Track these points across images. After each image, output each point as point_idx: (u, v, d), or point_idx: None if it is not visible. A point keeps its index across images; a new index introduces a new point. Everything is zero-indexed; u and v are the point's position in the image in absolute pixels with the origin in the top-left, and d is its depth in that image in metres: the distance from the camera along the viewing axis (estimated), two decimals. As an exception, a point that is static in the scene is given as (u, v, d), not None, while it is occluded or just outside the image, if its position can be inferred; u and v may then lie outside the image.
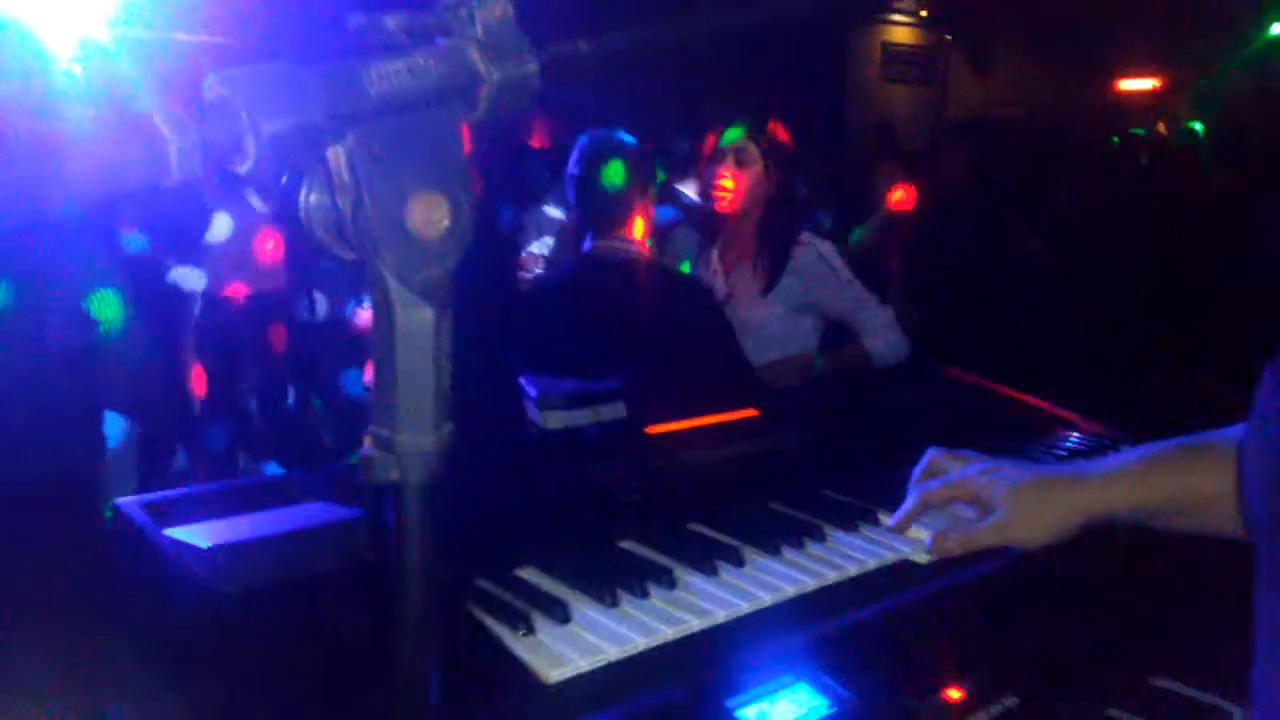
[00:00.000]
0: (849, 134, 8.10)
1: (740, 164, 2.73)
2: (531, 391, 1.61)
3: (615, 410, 1.58)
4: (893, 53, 9.32)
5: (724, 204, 2.76)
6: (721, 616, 1.04)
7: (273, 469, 3.30)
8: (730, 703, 0.97)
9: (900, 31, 9.50)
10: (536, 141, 4.89)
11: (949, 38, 9.58)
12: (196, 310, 3.24)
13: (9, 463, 1.59)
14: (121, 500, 1.10)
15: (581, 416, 1.55)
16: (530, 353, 2.31)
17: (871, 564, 1.19)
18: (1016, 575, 1.25)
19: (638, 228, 2.63)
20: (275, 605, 0.96)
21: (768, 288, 2.73)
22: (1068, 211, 4.37)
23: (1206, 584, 1.26)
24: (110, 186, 0.44)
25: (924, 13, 9.47)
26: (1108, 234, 4.05)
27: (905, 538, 1.26)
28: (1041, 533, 1.15)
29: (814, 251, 2.76)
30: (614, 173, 2.60)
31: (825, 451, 1.51)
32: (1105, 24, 8.31)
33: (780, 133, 2.79)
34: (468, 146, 0.56)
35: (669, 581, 1.09)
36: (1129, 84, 10.57)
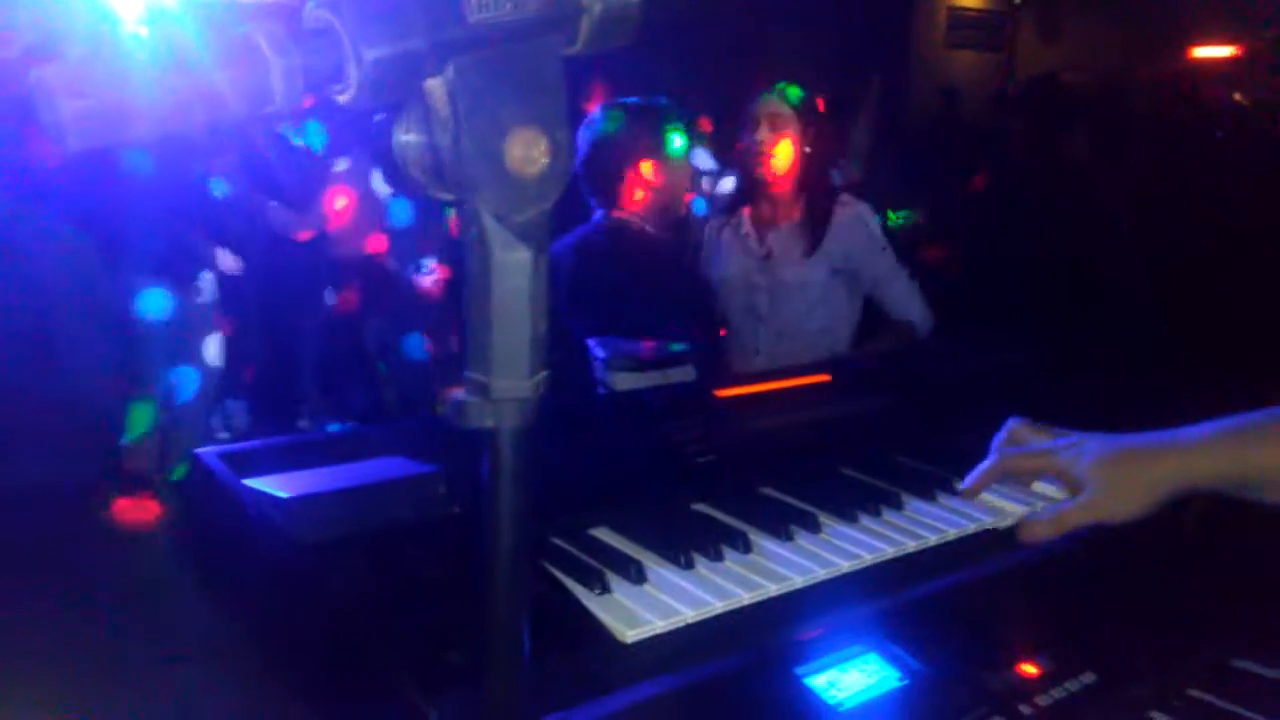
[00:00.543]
0: (912, 102, 7.94)
1: (774, 127, 2.74)
2: (601, 353, 1.60)
3: (684, 373, 1.56)
4: (959, 17, 9.08)
5: (761, 167, 2.77)
6: (799, 582, 1.02)
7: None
8: (800, 669, 0.95)
9: (966, -4, 9.26)
10: (594, 106, 4.86)
11: (1016, 1, 9.31)
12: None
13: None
14: (200, 450, 1.11)
15: (651, 379, 1.54)
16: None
17: (950, 533, 1.17)
18: (1096, 549, 1.21)
19: (637, 195, 2.67)
20: (354, 557, 0.96)
21: (812, 248, 2.75)
22: (1136, 183, 4.23)
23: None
24: (212, 112, 0.43)
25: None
26: (1180, 208, 3.92)
27: (987, 508, 1.23)
28: (1132, 506, 1.10)
29: (854, 211, 2.78)
30: (605, 140, 2.67)
31: (899, 417, 1.48)
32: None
33: (812, 97, 2.80)
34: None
35: (743, 545, 1.07)
36: (1204, 51, 10.19)
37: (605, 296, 2.41)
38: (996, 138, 3.96)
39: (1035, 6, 9.36)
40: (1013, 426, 1.26)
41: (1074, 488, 1.16)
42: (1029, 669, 1.05)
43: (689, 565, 1.03)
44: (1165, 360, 1.76)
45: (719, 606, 0.96)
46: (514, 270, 0.53)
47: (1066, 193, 3.26)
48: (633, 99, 2.77)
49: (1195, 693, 1.12)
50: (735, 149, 2.85)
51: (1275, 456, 1.05)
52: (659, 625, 0.92)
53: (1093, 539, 1.20)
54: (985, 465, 1.23)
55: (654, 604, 0.96)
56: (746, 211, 2.88)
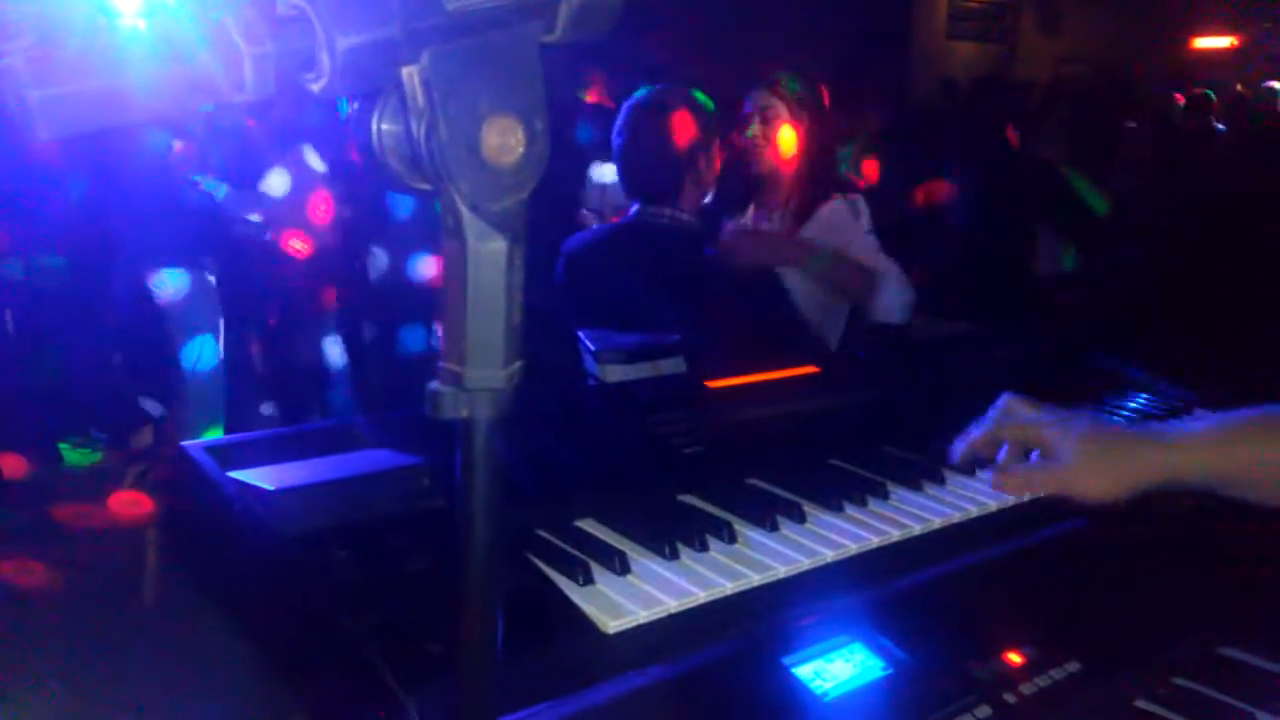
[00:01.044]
0: (913, 93, 7.92)
1: (765, 120, 2.70)
2: (591, 345, 1.59)
3: (675, 365, 1.56)
4: (959, 9, 9.07)
5: (755, 162, 2.73)
6: (782, 572, 1.03)
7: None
8: (787, 659, 0.95)
9: (967, -12, 9.24)
10: (594, 96, 4.85)
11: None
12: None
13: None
14: (186, 443, 1.11)
15: (641, 370, 1.53)
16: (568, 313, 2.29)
17: (936, 523, 1.17)
18: (1081, 539, 1.22)
19: (690, 196, 2.54)
20: (337, 548, 0.96)
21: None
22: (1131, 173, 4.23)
23: (1276, 552, 1.22)
24: (184, 101, 0.43)
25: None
26: (1178, 197, 3.92)
27: (971, 497, 1.23)
28: (1106, 489, 1.09)
29: (841, 203, 2.69)
30: (661, 134, 2.49)
31: (887, 408, 1.48)
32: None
33: (812, 88, 2.74)
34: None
35: (728, 535, 1.08)
36: (1205, 42, 10.18)
37: (579, 296, 2.36)
38: (995, 129, 3.95)
39: (1036, -2, 9.34)
40: (1007, 400, 1.26)
41: (1056, 455, 1.16)
42: (1014, 658, 1.05)
43: (673, 556, 1.03)
44: (1159, 353, 1.76)
45: (702, 597, 0.96)
46: (489, 260, 0.53)
47: (1062, 185, 3.26)
48: (673, 88, 2.60)
49: (1181, 681, 1.13)
50: (730, 142, 2.80)
51: (1257, 457, 1.05)
52: (641, 616, 0.92)
53: (1078, 529, 1.20)
54: (974, 433, 1.23)
55: (637, 595, 0.96)
56: (753, 205, 2.85)
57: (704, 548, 1.05)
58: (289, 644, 0.95)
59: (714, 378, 1.47)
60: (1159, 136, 4.97)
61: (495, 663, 0.59)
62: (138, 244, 2.94)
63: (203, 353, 3.25)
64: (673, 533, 1.06)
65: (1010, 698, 0.99)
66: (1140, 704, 1.08)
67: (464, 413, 0.55)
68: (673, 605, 0.95)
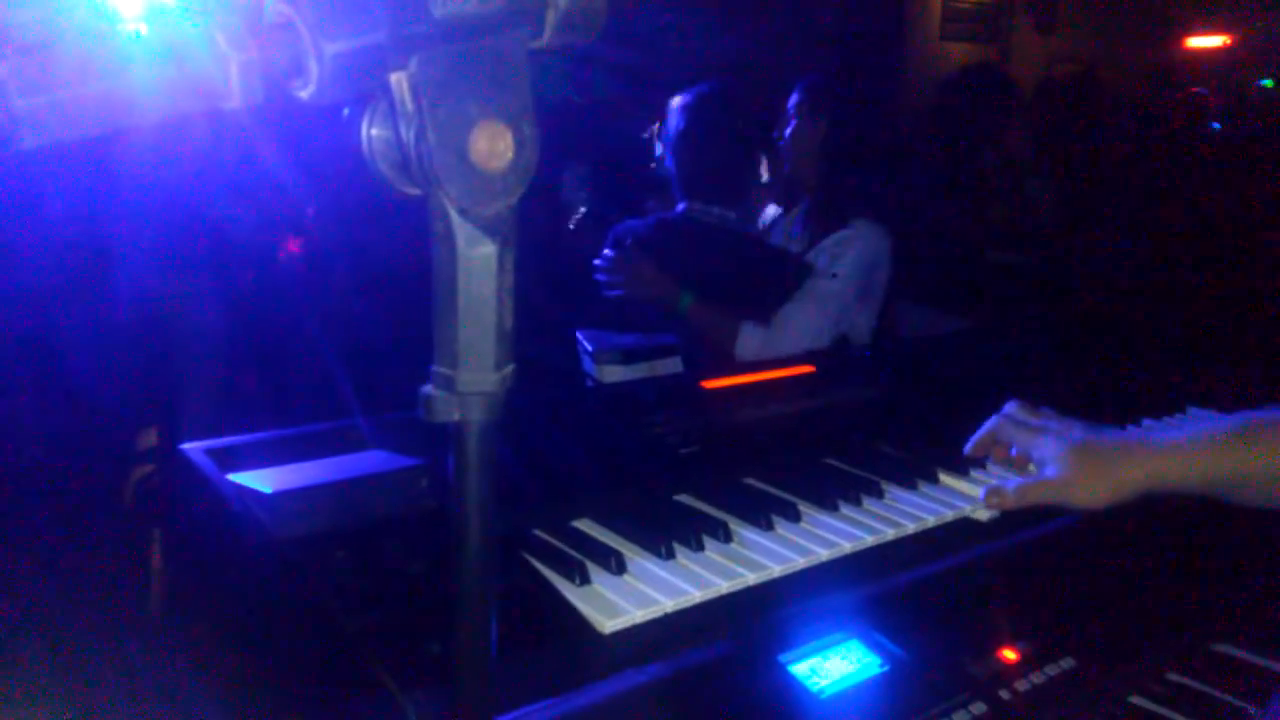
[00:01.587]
0: (906, 95, 7.93)
1: (786, 123, 2.66)
2: (589, 346, 1.60)
3: (672, 365, 1.57)
4: (953, 10, 9.07)
5: (783, 159, 2.70)
6: (777, 571, 1.03)
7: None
8: (783, 657, 0.96)
9: (961, -12, 9.24)
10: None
11: (1012, -9, 9.30)
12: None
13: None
14: (186, 445, 1.12)
15: (638, 371, 1.54)
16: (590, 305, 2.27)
17: (930, 521, 1.17)
18: (1076, 537, 1.22)
19: (742, 196, 2.51)
20: (336, 551, 0.96)
21: (806, 248, 2.58)
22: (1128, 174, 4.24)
23: (1268, 550, 1.23)
24: (170, 108, 0.43)
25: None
26: (1172, 196, 3.92)
27: (965, 495, 1.24)
28: (1097, 497, 1.13)
29: (848, 232, 2.51)
30: (717, 133, 2.47)
31: (883, 408, 1.49)
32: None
33: (826, 87, 2.65)
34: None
35: (724, 535, 1.08)
36: (1198, 41, 10.20)
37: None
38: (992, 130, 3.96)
39: (1030, -2, 9.35)
40: (1012, 407, 1.30)
41: (1050, 466, 1.19)
42: (1009, 654, 1.06)
43: (669, 555, 1.04)
44: (1151, 354, 1.77)
45: (698, 596, 0.97)
46: (480, 265, 0.54)
47: (1057, 185, 3.26)
48: (729, 87, 2.56)
49: (1174, 676, 1.13)
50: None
51: (1253, 461, 1.06)
52: (638, 615, 0.93)
53: (1072, 526, 1.21)
54: (982, 430, 1.29)
55: (633, 594, 0.96)
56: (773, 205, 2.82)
57: (700, 547, 1.06)
58: (287, 645, 0.96)
59: (710, 378, 1.48)
60: (1150, 135, 4.98)
61: (490, 663, 0.60)
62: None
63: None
64: (669, 532, 1.07)
65: (1005, 694, 1.00)
66: (1134, 700, 1.08)
67: (456, 416, 0.55)
68: (669, 605, 0.95)
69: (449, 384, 0.55)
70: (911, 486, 1.24)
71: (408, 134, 0.52)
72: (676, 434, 1.29)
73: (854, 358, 1.60)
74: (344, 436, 1.17)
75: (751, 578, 1.01)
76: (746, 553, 1.06)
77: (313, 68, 0.46)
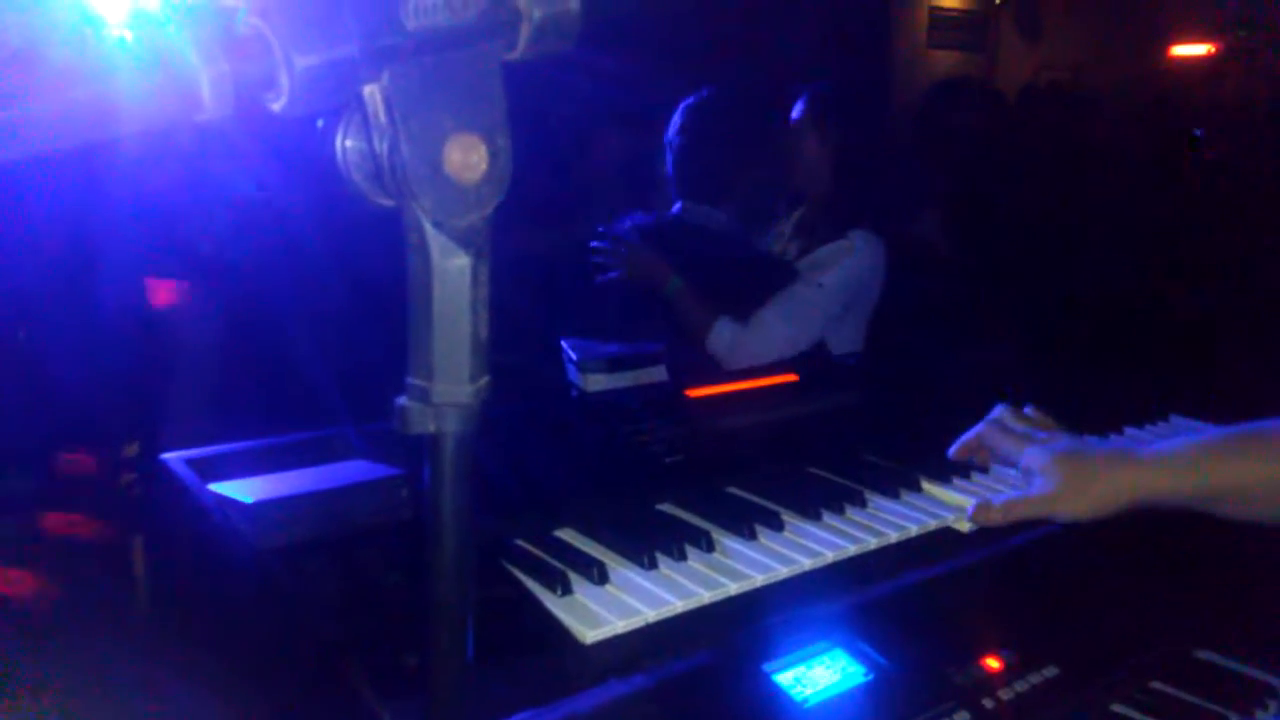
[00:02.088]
0: (893, 103, 7.96)
1: (792, 131, 2.62)
2: (574, 355, 1.60)
3: (656, 373, 1.57)
4: (940, 18, 9.12)
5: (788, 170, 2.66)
6: (759, 580, 1.03)
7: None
8: (767, 667, 0.96)
9: (947, -4, 9.30)
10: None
11: (998, 2, 9.36)
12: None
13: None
14: (166, 455, 1.11)
15: (623, 379, 1.54)
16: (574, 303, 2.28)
17: (913, 530, 1.18)
18: (1059, 545, 1.23)
19: (729, 196, 2.52)
20: (317, 561, 0.96)
21: (796, 258, 2.56)
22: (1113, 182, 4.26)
23: (1250, 558, 1.24)
24: (142, 122, 0.43)
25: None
26: (1155, 203, 3.95)
27: (948, 505, 1.24)
28: (1087, 509, 1.13)
29: (836, 246, 2.46)
30: (708, 136, 2.49)
31: (866, 416, 1.49)
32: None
33: (832, 98, 2.61)
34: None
35: (707, 544, 1.08)
36: (1183, 49, 10.28)
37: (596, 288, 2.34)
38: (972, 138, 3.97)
39: (1016, 6, 9.42)
40: (1000, 411, 1.30)
41: (1035, 478, 1.19)
42: (992, 663, 1.06)
43: (652, 565, 1.03)
44: (1133, 362, 1.78)
45: (679, 606, 0.97)
46: (454, 276, 0.54)
47: (1040, 194, 3.28)
48: (725, 94, 2.58)
49: (1157, 684, 1.14)
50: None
51: (1236, 474, 1.07)
52: (619, 625, 0.92)
53: (1055, 535, 1.21)
54: (968, 434, 1.29)
55: (615, 604, 0.96)
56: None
57: (683, 557, 1.06)
58: (267, 655, 0.95)
59: (694, 387, 1.48)
60: (1137, 143, 5.01)
61: (467, 675, 0.59)
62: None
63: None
64: (651, 542, 1.06)
65: (989, 703, 1.00)
66: (1117, 708, 1.09)
67: (431, 428, 0.55)
68: (651, 615, 0.95)
69: (424, 395, 0.55)
70: (894, 495, 1.25)
71: (381, 146, 0.52)
72: (660, 443, 1.29)
73: (838, 366, 1.60)
74: (325, 446, 1.17)
75: (734, 587, 1.01)
76: (729, 562, 1.06)
77: (284, 80, 0.46)
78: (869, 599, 1.08)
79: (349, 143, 0.55)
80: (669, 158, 2.59)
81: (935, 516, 1.20)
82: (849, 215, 2.50)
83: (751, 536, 1.11)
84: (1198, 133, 6.06)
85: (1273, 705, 1.14)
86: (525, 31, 0.53)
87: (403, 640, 0.84)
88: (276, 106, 0.47)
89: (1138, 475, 1.12)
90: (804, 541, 1.12)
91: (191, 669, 1.03)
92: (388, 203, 0.55)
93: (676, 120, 2.57)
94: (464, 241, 0.54)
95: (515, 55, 0.54)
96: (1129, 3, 8.43)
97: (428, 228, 0.53)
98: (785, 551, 1.09)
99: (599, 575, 1.00)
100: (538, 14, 0.53)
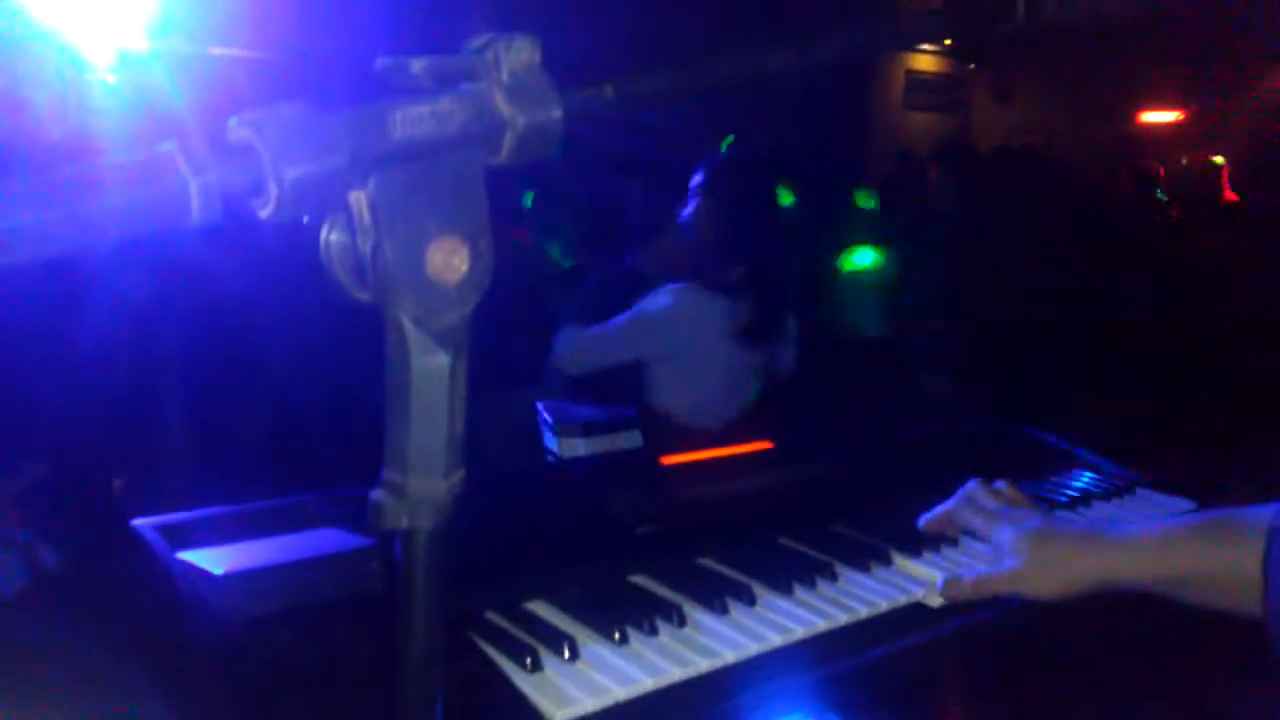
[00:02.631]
0: (870, 161, 8.10)
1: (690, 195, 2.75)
2: (549, 418, 1.61)
3: (631, 439, 1.57)
4: (916, 80, 9.33)
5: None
6: (730, 657, 1.03)
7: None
8: (735, 744, 0.96)
9: (924, 59, 9.52)
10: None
11: (972, 66, 9.59)
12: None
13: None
14: (138, 521, 1.10)
15: (598, 444, 1.55)
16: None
17: (883, 605, 1.18)
18: (1027, 620, 1.24)
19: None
20: (285, 633, 0.95)
21: None
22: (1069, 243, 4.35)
23: (1218, 644, 1.25)
24: (131, 227, 0.44)
25: (949, 41, 9.50)
26: (1122, 266, 4.02)
27: (917, 579, 1.25)
28: (1052, 588, 1.15)
29: (655, 293, 2.61)
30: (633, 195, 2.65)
31: (837, 486, 1.50)
32: (1128, 56, 8.31)
33: (724, 170, 2.71)
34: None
35: (678, 619, 1.08)
36: (1151, 116, 10.54)
37: None
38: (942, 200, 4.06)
39: (990, 71, 9.65)
40: (972, 487, 1.32)
41: (1005, 556, 1.20)
42: (962, 738, 1.06)
43: (623, 640, 1.03)
44: (1099, 435, 1.80)
45: (649, 684, 0.96)
46: (433, 374, 0.55)
47: (1009, 258, 3.34)
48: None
49: (1122, 761, 1.14)
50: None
51: (1197, 563, 1.09)
52: (588, 704, 0.92)
53: (1024, 612, 1.22)
54: (940, 509, 1.31)
55: (585, 682, 0.96)
56: None
57: (654, 632, 1.06)
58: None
59: (668, 453, 1.49)
60: (1103, 206, 5.11)
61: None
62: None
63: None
64: (623, 616, 1.06)
65: (956, 780, 1.00)
66: (1084, 785, 1.09)
67: (405, 523, 0.56)
68: (620, 694, 0.95)
69: (398, 490, 0.56)
70: (865, 569, 1.25)
71: (365, 246, 0.53)
72: (633, 513, 1.29)
73: (810, 434, 1.61)
74: (296, 513, 1.16)
75: (704, 664, 1.01)
76: (701, 638, 1.06)
77: (272, 189, 0.47)
78: (838, 673, 1.08)
79: (333, 237, 0.56)
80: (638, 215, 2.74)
81: (905, 591, 1.21)
82: (678, 270, 2.64)
83: (723, 611, 1.12)
84: (1162, 197, 6.19)
85: None
86: (509, 140, 0.55)
87: (371, 715, 0.84)
88: (264, 213, 0.48)
89: (1105, 557, 1.14)
90: (775, 616, 1.12)
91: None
92: (367, 297, 0.56)
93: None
94: (443, 340, 0.55)
95: (499, 160, 0.56)
96: (1100, 70, 8.65)
97: (408, 326, 0.54)
98: (756, 627, 1.09)
99: (569, 651, 1.00)
100: (521, 122, 0.55)
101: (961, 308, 3.36)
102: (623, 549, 1.24)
